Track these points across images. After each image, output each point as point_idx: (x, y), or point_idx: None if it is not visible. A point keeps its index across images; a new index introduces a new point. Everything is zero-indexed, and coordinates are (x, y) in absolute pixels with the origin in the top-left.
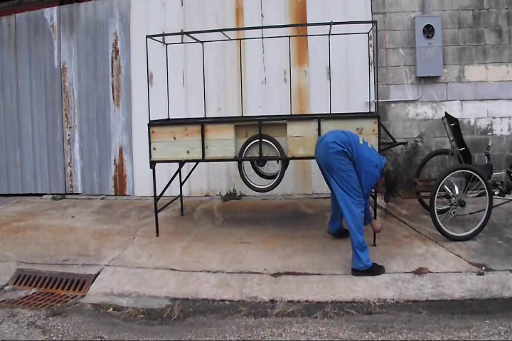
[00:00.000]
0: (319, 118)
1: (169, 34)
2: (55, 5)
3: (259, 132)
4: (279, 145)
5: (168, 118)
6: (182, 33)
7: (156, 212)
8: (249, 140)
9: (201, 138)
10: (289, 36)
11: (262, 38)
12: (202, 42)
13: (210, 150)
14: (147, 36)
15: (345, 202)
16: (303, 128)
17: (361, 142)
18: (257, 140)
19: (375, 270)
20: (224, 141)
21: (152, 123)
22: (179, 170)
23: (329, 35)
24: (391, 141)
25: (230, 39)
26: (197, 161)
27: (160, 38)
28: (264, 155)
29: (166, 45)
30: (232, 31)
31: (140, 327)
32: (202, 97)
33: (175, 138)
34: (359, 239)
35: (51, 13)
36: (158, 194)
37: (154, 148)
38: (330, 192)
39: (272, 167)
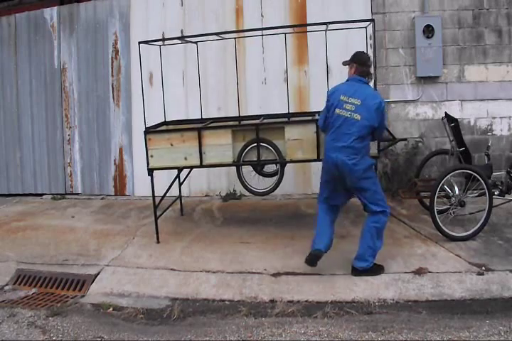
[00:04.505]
0: (317, 120)
1: (167, 39)
2: (55, 5)
3: (256, 136)
4: (278, 148)
5: (165, 121)
6: (180, 38)
7: (156, 218)
8: (247, 144)
9: (198, 144)
10: (285, 33)
11: (262, 35)
12: (197, 42)
13: (207, 156)
14: (139, 42)
15: (377, 209)
16: (301, 131)
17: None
18: (255, 144)
19: (375, 270)
20: (221, 147)
21: (148, 131)
22: (178, 176)
23: (325, 30)
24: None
25: (229, 38)
26: (195, 168)
27: (156, 41)
28: (262, 158)
29: (160, 46)
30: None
31: (140, 327)
32: (202, 97)
33: (172, 145)
34: (379, 245)
35: (51, 13)
36: (157, 197)
37: (151, 156)
38: None
39: (272, 165)
